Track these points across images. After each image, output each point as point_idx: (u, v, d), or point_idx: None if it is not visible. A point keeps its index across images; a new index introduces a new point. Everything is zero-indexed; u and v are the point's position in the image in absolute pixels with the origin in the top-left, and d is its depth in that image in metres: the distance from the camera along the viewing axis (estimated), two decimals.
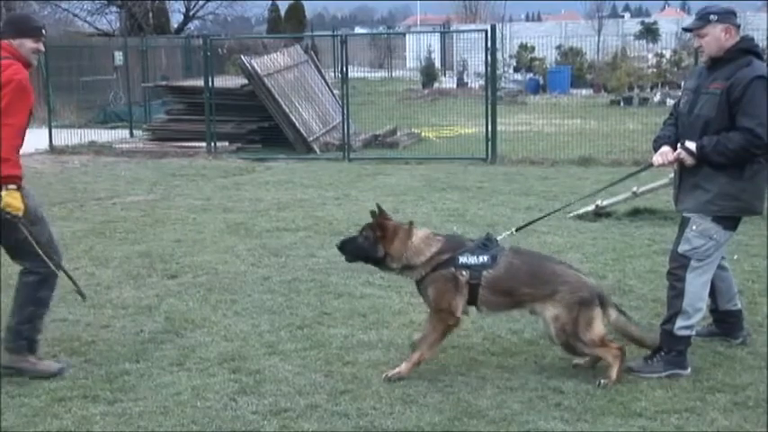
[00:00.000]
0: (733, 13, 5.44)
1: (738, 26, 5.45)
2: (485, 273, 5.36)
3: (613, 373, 5.25)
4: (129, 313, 6.80)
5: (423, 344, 5.44)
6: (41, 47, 5.52)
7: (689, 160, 5.35)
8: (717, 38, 5.37)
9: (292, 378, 5.45)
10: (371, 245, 5.47)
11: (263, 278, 7.82)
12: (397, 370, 5.38)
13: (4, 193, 5.16)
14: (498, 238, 5.64)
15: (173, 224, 10.31)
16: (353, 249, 5.57)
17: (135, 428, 4.77)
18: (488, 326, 6.36)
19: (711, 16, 5.38)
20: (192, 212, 11.04)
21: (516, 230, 6.04)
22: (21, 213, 5.22)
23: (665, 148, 5.51)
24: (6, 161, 5.17)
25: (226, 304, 7.02)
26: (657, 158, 5.53)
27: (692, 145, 5.33)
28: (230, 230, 9.92)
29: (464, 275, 5.36)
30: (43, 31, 5.56)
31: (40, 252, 5.38)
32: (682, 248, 5.43)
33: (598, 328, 5.31)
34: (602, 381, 5.22)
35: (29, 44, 5.42)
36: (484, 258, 5.38)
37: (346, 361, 5.74)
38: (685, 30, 5.71)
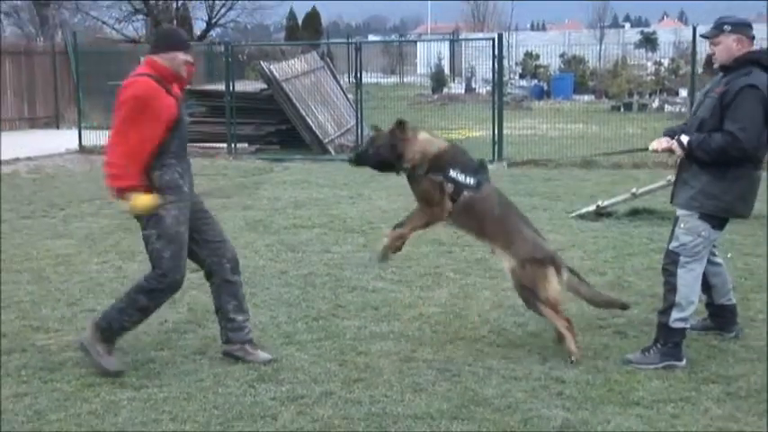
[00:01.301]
0: (748, 25, 5.50)
1: (752, 38, 5.49)
2: (465, 193, 5.57)
3: (572, 345, 5.45)
4: None
5: (407, 223, 5.74)
6: (190, 58, 5.44)
7: (678, 151, 5.42)
8: (728, 47, 5.41)
9: (308, 367, 5.48)
10: (387, 150, 5.68)
11: (281, 272, 7.85)
12: (381, 244, 5.96)
13: (130, 203, 5.15)
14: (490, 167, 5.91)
15: None
16: (369, 157, 5.81)
17: (159, 413, 4.80)
18: (494, 319, 6.38)
19: (726, 26, 5.45)
20: (213, 210, 11.04)
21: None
22: (148, 209, 5.19)
23: (664, 138, 5.61)
24: (116, 175, 5.15)
25: (246, 297, 7.03)
26: (654, 144, 5.64)
27: (684, 138, 5.41)
28: (249, 227, 9.95)
29: (449, 188, 5.57)
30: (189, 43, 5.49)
31: (162, 267, 5.30)
32: (672, 245, 5.49)
33: (553, 288, 5.47)
34: (571, 359, 5.41)
35: (180, 57, 5.35)
36: (470, 180, 5.59)
37: (359, 351, 5.76)
38: (702, 37, 5.75)
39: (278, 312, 6.64)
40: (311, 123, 17.65)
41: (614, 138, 17.55)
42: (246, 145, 17.83)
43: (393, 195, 11.98)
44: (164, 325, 6.32)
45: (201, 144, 17.90)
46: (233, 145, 17.50)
